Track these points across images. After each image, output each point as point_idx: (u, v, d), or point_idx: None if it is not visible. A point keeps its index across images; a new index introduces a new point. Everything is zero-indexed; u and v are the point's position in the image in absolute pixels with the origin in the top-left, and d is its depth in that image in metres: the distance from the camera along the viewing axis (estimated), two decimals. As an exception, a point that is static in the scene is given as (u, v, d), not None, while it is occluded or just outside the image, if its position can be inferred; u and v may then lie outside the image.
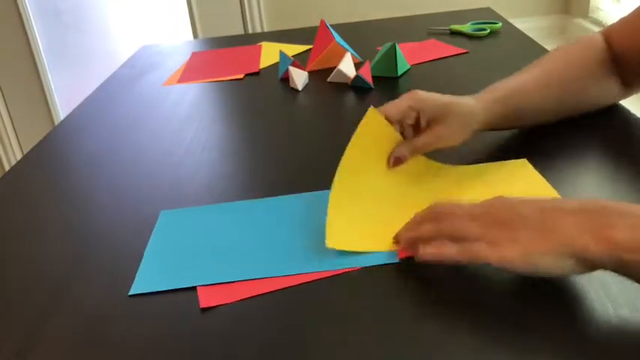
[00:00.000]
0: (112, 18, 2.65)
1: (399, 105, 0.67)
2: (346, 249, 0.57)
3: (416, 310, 0.50)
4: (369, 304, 0.52)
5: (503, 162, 0.71)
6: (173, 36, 2.65)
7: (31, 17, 2.56)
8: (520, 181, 0.67)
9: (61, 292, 0.58)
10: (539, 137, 0.76)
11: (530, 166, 0.69)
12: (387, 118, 0.66)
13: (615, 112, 0.82)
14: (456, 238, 0.51)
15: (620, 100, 0.81)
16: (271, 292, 0.54)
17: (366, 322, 0.49)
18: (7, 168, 2.69)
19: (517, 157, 0.71)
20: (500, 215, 0.50)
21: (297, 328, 0.50)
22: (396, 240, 0.57)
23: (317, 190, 0.69)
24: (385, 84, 1.05)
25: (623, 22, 0.78)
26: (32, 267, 0.63)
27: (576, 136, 0.76)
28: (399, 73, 1.07)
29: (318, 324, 0.50)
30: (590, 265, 0.46)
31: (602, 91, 0.79)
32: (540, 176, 0.67)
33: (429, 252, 0.52)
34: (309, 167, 0.77)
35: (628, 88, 0.79)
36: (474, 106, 0.69)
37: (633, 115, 0.80)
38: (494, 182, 0.68)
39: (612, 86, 0.78)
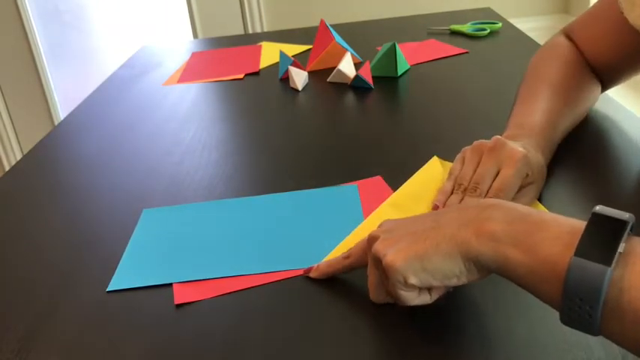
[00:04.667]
0: (112, 18, 2.65)
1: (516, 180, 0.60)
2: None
3: (401, 309, 0.50)
4: (344, 302, 0.52)
5: None
6: (173, 36, 2.65)
7: (31, 17, 2.56)
8: None
9: (61, 292, 0.58)
10: None
11: None
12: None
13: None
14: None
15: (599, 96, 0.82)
16: (246, 289, 0.55)
17: (343, 320, 0.50)
18: (7, 168, 2.69)
19: None
20: (390, 228, 0.50)
21: (270, 324, 0.50)
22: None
23: (316, 189, 0.70)
24: (385, 84, 1.05)
25: (583, 22, 0.78)
26: (32, 267, 0.63)
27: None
28: (399, 73, 1.07)
29: (291, 320, 0.50)
30: (477, 264, 0.43)
31: (593, 93, 0.79)
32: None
33: (321, 267, 0.56)
34: (309, 167, 0.77)
35: (605, 83, 0.80)
36: (544, 166, 0.65)
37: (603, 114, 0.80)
38: None
39: (597, 85, 0.78)
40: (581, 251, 0.37)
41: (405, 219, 0.51)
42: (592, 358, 0.43)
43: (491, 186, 0.60)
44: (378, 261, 0.48)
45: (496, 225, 0.42)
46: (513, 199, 0.59)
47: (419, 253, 0.45)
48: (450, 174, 0.64)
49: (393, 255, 0.45)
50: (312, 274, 0.56)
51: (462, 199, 0.60)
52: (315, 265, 0.56)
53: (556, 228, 0.40)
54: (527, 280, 0.40)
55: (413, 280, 0.45)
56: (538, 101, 0.71)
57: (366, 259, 0.51)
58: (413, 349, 0.46)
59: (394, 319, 0.49)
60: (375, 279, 0.50)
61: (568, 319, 0.38)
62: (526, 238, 0.40)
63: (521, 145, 0.62)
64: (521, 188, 0.60)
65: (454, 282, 0.44)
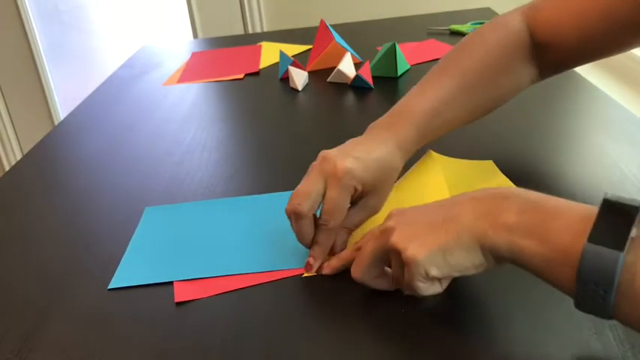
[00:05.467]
0: (112, 18, 2.65)
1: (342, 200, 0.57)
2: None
3: (399, 307, 0.50)
4: (345, 301, 0.52)
5: (470, 161, 0.71)
6: (173, 36, 2.65)
7: (31, 17, 2.56)
8: (485, 180, 0.67)
9: (60, 292, 0.58)
10: (505, 137, 0.76)
11: (495, 168, 0.69)
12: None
13: (577, 105, 0.82)
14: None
15: (534, 83, 0.73)
16: (246, 287, 0.55)
17: (343, 319, 0.50)
18: (7, 168, 2.69)
19: (482, 158, 0.72)
20: (398, 226, 0.49)
21: (270, 323, 0.50)
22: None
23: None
24: (385, 84, 1.05)
25: (552, 4, 0.69)
26: (32, 267, 0.63)
27: (536, 133, 0.76)
28: (399, 73, 1.08)
29: (291, 319, 0.50)
30: (494, 254, 0.44)
31: (514, 84, 0.71)
32: (506, 178, 0.67)
33: (332, 263, 0.56)
34: (309, 167, 0.77)
35: (549, 70, 0.72)
36: (397, 161, 0.61)
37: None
38: (463, 183, 0.67)
39: (525, 76, 0.71)
40: (594, 238, 0.38)
41: (416, 208, 0.50)
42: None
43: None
44: (396, 253, 0.48)
45: (510, 216, 0.43)
46: (349, 214, 0.58)
47: (441, 245, 0.45)
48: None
49: (415, 249, 0.46)
50: (325, 271, 0.56)
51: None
52: (326, 262, 0.56)
53: (568, 215, 0.41)
54: (541, 269, 0.41)
55: (434, 273, 0.46)
56: (434, 85, 0.67)
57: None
58: (413, 349, 0.46)
59: (394, 318, 0.49)
60: (369, 259, 0.51)
61: (582, 305, 0.40)
62: (539, 228, 0.41)
63: (361, 151, 0.58)
64: (356, 201, 0.58)
65: (472, 272, 0.46)
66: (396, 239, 0.47)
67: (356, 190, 0.57)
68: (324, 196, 0.56)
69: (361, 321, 0.50)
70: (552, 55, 0.69)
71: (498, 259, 0.44)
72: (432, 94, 0.66)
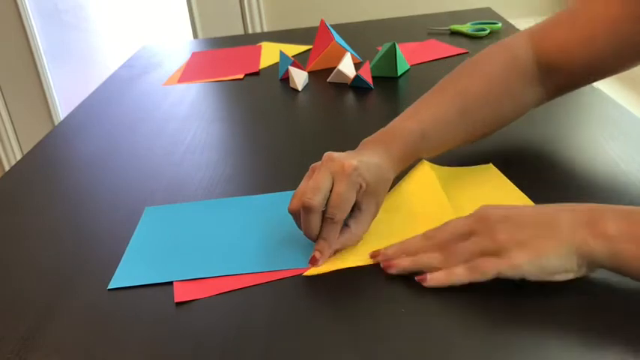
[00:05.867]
0: (112, 18, 2.65)
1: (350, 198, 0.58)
2: (323, 271, 0.57)
3: (399, 307, 0.50)
4: (345, 301, 0.52)
5: (468, 167, 0.71)
6: (173, 36, 2.65)
7: (31, 17, 2.56)
8: (487, 185, 0.67)
9: (61, 292, 0.58)
10: (505, 137, 0.76)
11: (496, 170, 0.69)
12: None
13: (577, 109, 0.82)
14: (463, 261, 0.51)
15: (541, 105, 0.74)
16: (246, 287, 0.55)
17: (343, 319, 0.50)
18: (7, 168, 2.69)
19: (479, 162, 0.71)
20: (495, 222, 0.51)
21: (270, 323, 0.50)
22: (374, 256, 0.56)
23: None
24: (385, 84, 1.05)
25: (557, 24, 0.70)
26: (32, 267, 0.63)
27: (536, 134, 0.76)
28: (399, 73, 1.07)
29: (291, 319, 0.50)
30: (590, 262, 0.47)
31: (516, 107, 0.72)
32: (507, 179, 0.67)
33: (439, 278, 0.51)
34: (309, 167, 0.77)
35: (556, 92, 0.73)
36: (389, 172, 0.62)
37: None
38: (462, 187, 0.67)
39: (530, 97, 0.72)
40: None
41: (513, 208, 0.52)
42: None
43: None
44: (499, 249, 0.49)
45: (610, 225, 0.46)
46: (354, 218, 0.58)
47: (542, 252, 0.48)
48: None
49: (519, 253, 0.48)
50: (392, 270, 0.54)
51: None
52: (395, 261, 0.54)
53: None
54: None
55: (527, 275, 0.48)
56: (430, 105, 0.68)
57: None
58: (414, 349, 0.46)
59: (395, 318, 0.49)
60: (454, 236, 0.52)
61: None
62: (638, 233, 0.45)
63: (362, 156, 0.60)
64: (359, 204, 0.59)
65: (559, 278, 0.48)
66: (502, 236, 0.49)
67: (361, 187, 0.58)
68: (330, 192, 0.57)
69: (361, 321, 0.50)
70: (560, 77, 0.70)
71: (592, 265, 0.47)
72: (426, 115, 0.67)
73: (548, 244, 0.48)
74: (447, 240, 0.53)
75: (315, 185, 0.57)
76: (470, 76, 0.71)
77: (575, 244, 0.47)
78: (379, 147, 0.63)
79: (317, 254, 0.57)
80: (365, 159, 0.60)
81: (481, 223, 0.51)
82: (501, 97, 0.70)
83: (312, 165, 0.61)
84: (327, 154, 0.60)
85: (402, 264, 0.54)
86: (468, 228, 0.52)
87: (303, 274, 0.56)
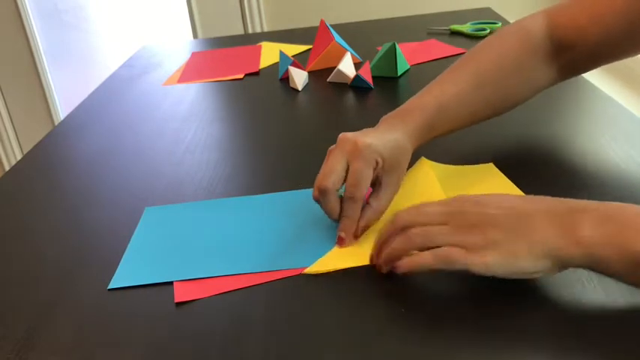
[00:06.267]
0: (112, 18, 2.65)
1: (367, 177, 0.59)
2: (323, 270, 0.56)
3: (394, 310, 0.50)
4: (345, 302, 0.52)
5: (469, 166, 0.71)
6: (173, 36, 2.65)
7: (31, 17, 2.56)
8: (487, 183, 0.67)
9: (61, 291, 0.58)
10: (502, 140, 0.76)
11: (496, 169, 0.69)
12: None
13: (575, 105, 0.82)
14: (429, 247, 0.50)
15: (553, 85, 0.75)
16: (246, 287, 0.55)
17: (343, 319, 0.50)
18: (7, 168, 2.69)
19: (480, 161, 0.72)
20: (470, 217, 0.49)
21: (270, 323, 0.50)
22: (371, 259, 0.56)
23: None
24: (385, 84, 1.05)
25: (575, 5, 0.71)
26: (32, 266, 0.63)
27: (537, 133, 0.76)
28: (399, 73, 1.07)
29: (291, 319, 0.50)
30: (564, 264, 0.47)
31: (530, 85, 0.73)
32: (507, 179, 0.67)
33: (404, 264, 0.51)
34: (309, 167, 0.77)
35: (568, 72, 0.73)
36: (407, 144, 0.64)
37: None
38: (462, 185, 0.67)
39: (544, 76, 0.72)
40: None
41: (490, 201, 0.50)
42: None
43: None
44: (471, 245, 0.48)
45: (587, 230, 0.45)
46: (375, 194, 0.61)
47: (512, 256, 0.47)
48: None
49: (491, 252, 0.47)
50: (400, 270, 0.52)
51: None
52: (400, 262, 0.52)
53: None
54: (623, 275, 0.45)
55: (496, 274, 0.48)
56: (445, 82, 0.70)
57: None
58: (414, 350, 0.46)
59: (395, 319, 0.49)
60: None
61: None
62: (617, 239, 0.44)
63: (377, 132, 0.62)
64: (379, 179, 0.60)
65: (530, 277, 0.48)
66: (476, 239, 0.48)
67: (377, 163, 0.59)
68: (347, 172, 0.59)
69: (362, 321, 0.50)
70: (573, 54, 0.70)
71: (567, 266, 0.47)
72: (442, 90, 0.68)
73: (522, 246, 0.47)
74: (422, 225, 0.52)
75: (327, 168, 0.59)
76: (484, 53, 0.72)
77: (550, 247, 0.46)
78: (395, 121, 0.65)
79: (342, 234, 0.59)
80: (380, 134, 0.61)
81: (456, 217, 0.50)
82: (514, 74, 0.71)
83: (329, 148, 0.62)
84: (342, 135, 0.61)
85: (423, 261, 0.50)
86: (443, 218, 0.51)
87: (303, 272, 0.56)
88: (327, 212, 0.60)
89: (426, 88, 0.70)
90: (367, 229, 0.60)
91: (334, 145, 0.62)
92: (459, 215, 0.50)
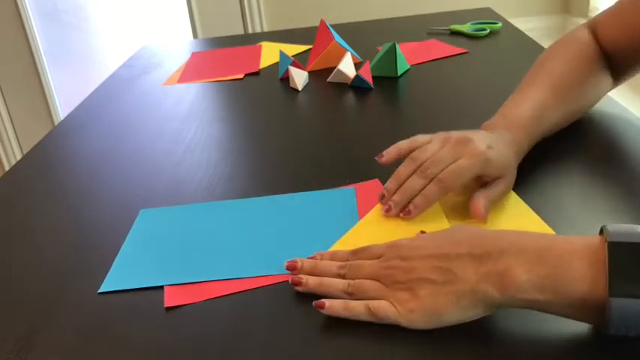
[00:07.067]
0: (112, 18, 2.65)
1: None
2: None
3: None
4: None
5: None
6: (173, 36, 2.65)
7: (31, 17, 2.56)
8: (506, 210, 0.63)
9: (61, 292, 0.58)
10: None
11: (514, 195, 0.65)
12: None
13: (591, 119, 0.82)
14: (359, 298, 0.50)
15: (612, 89, 0.80)
16: (236, 292, 0.55)
17: (340, 324, 0.49)
18: (7, 168, 2.69)
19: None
20: (397, 274, 0.49)
21: (266, 327, 0.50)
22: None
23: (315, 190, 0.70)
24: (385, 84, 1.05)
25: (609, 15, 0.77)
26: (32, 267, 0.63)
27: (556, 150, 0.76)
28: (399, 73, 1.07)
29: (287, 324, 0.50)
30: (495, 307, 0.46)
31: (599, 90, 0.78)
32: (525, 205, 0.63)
33: (336, 307, 0.50)
34: (309, 167, 0.77)
35: (620, 77, 0.79)
36: (514, 162, 0.64)
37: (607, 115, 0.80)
38: (460, 203, 0.64)
39: (605, 82, 0.78)
40: (615, 291, 0.40)
41: (412, 253, 0.50)
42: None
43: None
44: (395, 303, 0.48)
45: (518, 275, 0.44)
46: (491, 188, 0.61)
47: (439, 310, 0.46)
48: (412, 146, 0.64)
49: (413, 314, 0.47)
50: (299, 288, 0.53)
51: (410, 176, 0.61)
52: (335, 304, 0.51)
53: (576, 265, 0.42)
54: (561, 315, 0.44)
55: (423, 327, 0.47)
56: (531, 92, 0.71)
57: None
58: (414, 352, 0.46)
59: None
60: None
61: (614, 338, 0.43)
62: (552, 283, 0.43)
63: (492, 140, 0.62)
64: (490, 181, 0.61)
65: (459, 322, 0.47)
66: (398, 295, 0.48)
67: (481, 175, 0.60)
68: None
69: (360, 325, 0.49)
70: (615, 63, 0.77)
71: (499, 308, 0.46)
72: (532, 101, 0.70)
73: (448, 300, 0.46)
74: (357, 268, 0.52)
75: (437, 158, 0.60)
76: (552, 67, 0.75)
77: (480, 298, 0.45)
78: (508, 135, 0.65)
79: (411, 207, 0.60)
80: (498, 144, 0.61)
81: (386, 273, 0.50)
82: (583, 83, 0.74)
83: (446, 135, 0.62)
84: (463, 136, 0.61)
85: (357, 311, 0.49)
86: (375, 272, 0.51)
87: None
88: (406, 187, 0.60)
89: (514, 98, 0.71)
90: (420, 210, 0.60)
91: (446, 134, 0.62)
92: (389, 271, 0.50)
